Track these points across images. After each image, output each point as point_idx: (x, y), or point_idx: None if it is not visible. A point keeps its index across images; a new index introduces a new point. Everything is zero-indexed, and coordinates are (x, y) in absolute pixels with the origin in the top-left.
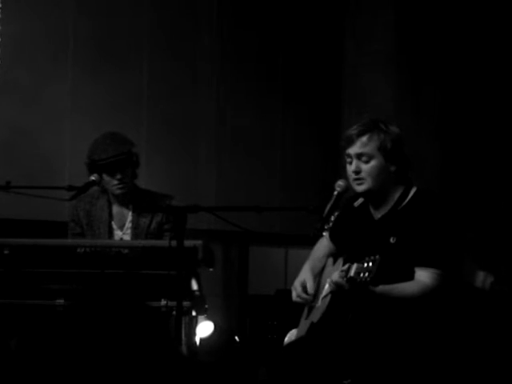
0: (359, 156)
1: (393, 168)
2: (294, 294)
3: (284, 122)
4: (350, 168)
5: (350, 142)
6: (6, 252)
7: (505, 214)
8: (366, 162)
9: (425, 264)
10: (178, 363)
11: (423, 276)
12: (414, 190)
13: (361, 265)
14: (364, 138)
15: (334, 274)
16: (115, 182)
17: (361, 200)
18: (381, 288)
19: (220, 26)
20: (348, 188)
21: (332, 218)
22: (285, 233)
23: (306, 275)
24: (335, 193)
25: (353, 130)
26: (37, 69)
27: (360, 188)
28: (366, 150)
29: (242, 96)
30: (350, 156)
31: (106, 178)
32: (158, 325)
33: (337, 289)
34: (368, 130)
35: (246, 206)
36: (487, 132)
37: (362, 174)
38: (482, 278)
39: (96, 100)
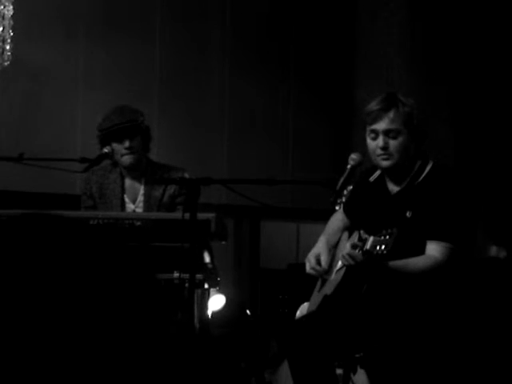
0: (387, 132)
1: (414, 142)
2: (307, 266)
3: (296, 95)
4: (375, 143)
5: (377, 118)
6: None
7: None
8: (394, 138)
9: (436, 237)
10: (190, 336)
11: (434, 250)
12: (430, 165)
13: (377, 238)
14: (391, 114)
15: (348, 245)
16: (124, 151)
17: (377, 174)
18: (394, 262)
19: (232, 5)
20: (361, 161)
21: (345, 192)
22: (297, 207)
23: (320, 248)
24: (349, 166)
25: (376, 106)
26: (49, 43)
27: (386, 163)
28: (394, 125)
29: (253, 69)
30: (375, 132)
31: (115, 147)
32: (171, 297)
33: (351, 261)
34: (393, 105)
35: (260, 179)
36: (501, 105)
37: (390, 150)
38: (495, 253)
39: (108, 73)
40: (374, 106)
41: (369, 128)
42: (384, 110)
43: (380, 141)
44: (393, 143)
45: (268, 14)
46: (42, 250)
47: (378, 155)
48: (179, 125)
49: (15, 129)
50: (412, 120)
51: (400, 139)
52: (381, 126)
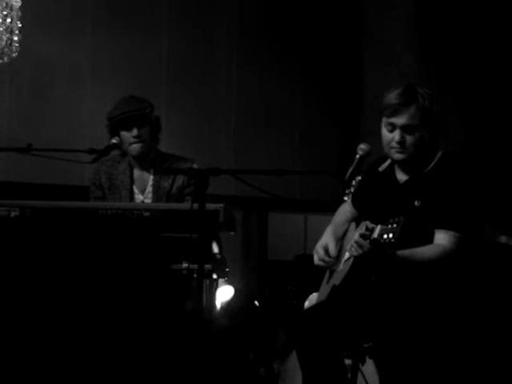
0: (405, 127)
1: (427, 135)
2: (315, 258)
3: (303, 86)
4: (391, 136)
5: (396, 112)
6: (27, 214)
7: None
8: (411, 133)
9: (445, 226)
10: (201, 325)
11: (442, 239)
12: (439, 154)
13: (385, 226)
14: (412, 110)
15: (356, 235)
16: (132, 140)
17: (386, 164)
18: (402, 252)
19: None
20: (370, 151)
21: (354, 182)
22: (304, 199)
23: (328, 239)
24: (357, 156)
25: (396, 99)
26: (57, 34)
27: (400, 156)
28: (414, 121)
29: (261, 62)
30: (392, 125)
31: (124, 136)
32: (181, 287)
33: (359, 250)
34: (413, 100)
35: (269, 169)
36: (509, 98)
37: (406, 145)
38: (504, 242)
39: (116, 64)
40: (393, 98)
41: (387, 120)
42: (405, 105)
43: (396, 135)
44: (409, 138)
45: (275, 8)
46: (53, 246)
47: (393, 147)
48: (187, 117)
49: (23, 120)
50: (430, 115)
51: (417, 134)
52: (400, 120)
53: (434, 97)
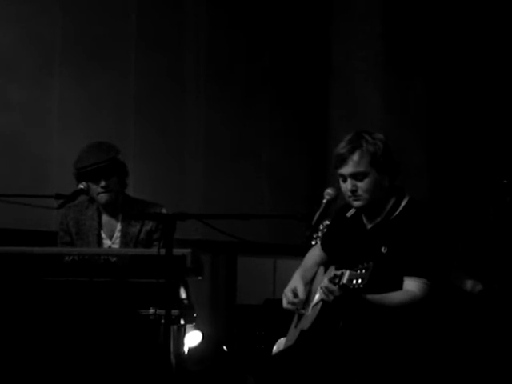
0: (354, 175)
1: (386, 178)
2: (284, 301)
3: (271, 128)
4: (345, 186)
5: (342, 162)
6: None
7: (493, 221)
8: (361, 180)
9: (414, 274)
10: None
11: (412, 286)
12: (405, 200)
13: (354, 272)
14: (355, 157)
15: (325, 279)
16: (100, 190)
17: (354, 209)
18: (371, 296)
19: (207, 30)
20: (337, 196)
21: (321, 227)
22: (273, 242)
23: (296, 282)
24: (324, 201)
25: (342, 149)
26: (23, 77)
27: (358, 204)
28: (360, 168)
29: (228, 103)
30: (343, 176)
31: (91, 186)
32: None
33: (328, 295)
34: (357, 147)
35: (235, 213)
36: (475, 138)
37: (359, 192)
38: (470, 286)
39: (83, 107)
40: (340, 149)
41: (337, 172)
42: (348, 154)
43: (348, 184)
44: (361, 185)
45: (243, 45)
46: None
47: (349, 196)
48: (155, 159)
49: None
50: (378, 158)
51: (367, 180)
52: (347, 170)
53: (385, 140)
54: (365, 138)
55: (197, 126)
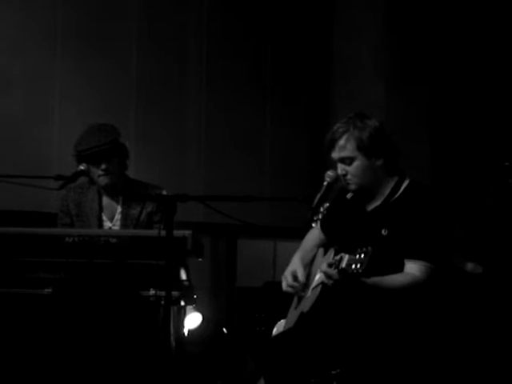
0: (341, 160)
1: (379, 162)
2: (284, 284)
3: (272, 111)
4: (339, 170)
5: (331, 146)
6: None
7: (493, 203)
8: (349, 164)
9: (415, 256)
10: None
11: (413, 268)
12: (406, 183)
13: (353, 256)
14: (341, 142)
15: (324, 264)
16: (100, 173)
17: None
18: (371, 280)
19: (208, 19)
20: (338, 178)
21: (321, 209)
22: (273, 225)
23: (296, 265)
24: (325, 183)
25: (330, 134)
26: (25, 59)
27: (352, 187)
28: (346, 153)
29: (229, 86)
30: (334, 160)
31: (92, 168)
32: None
33: (327, 279)
34: (344, 132)
35: (236, 196)
36: (476, 120)
37: (348, 176)
38: (470, 269)
39: (85, 88)
40: (329, 133)
41: (330, 157)
42: (335, 139)
43: (339, 168)
44: (349, 169)
45: (245, 37)
46: None
47: (343, 180)
48: (156, 142)
49: None
50: (364, 142)
51: (355, 164)
52: (335, 154)
53: (377, 125)
54: (354, 122)
55: (198, 110)
